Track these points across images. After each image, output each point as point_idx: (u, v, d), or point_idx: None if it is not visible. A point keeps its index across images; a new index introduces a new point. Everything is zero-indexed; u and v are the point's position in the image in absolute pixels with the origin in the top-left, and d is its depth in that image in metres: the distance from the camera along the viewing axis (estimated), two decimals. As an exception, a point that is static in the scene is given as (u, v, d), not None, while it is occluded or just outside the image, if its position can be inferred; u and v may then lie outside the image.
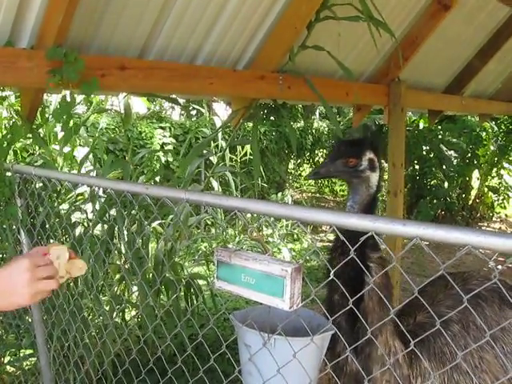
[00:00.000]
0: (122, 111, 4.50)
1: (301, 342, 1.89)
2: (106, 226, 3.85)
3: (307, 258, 8.03)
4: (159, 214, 4.30)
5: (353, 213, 2.26)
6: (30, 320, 3.58)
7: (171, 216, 4.70)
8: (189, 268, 6.82)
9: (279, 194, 11.29)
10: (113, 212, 3.87)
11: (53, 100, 5.52)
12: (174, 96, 4.45)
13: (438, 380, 2.36)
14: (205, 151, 5.23)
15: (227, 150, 7.13)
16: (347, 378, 2.36)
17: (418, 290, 1.53)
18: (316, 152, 14.29)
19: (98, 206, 3.72)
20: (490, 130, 12.98)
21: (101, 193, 3.61)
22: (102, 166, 4.98)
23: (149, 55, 3.83)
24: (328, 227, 8.44)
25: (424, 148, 12.39)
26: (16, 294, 1.63)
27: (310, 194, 14.39)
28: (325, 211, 1.65)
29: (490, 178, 13.13)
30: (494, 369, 2.40)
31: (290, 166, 14.25)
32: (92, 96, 5.77)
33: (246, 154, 9.79)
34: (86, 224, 4.08)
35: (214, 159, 6.61)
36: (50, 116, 4.42)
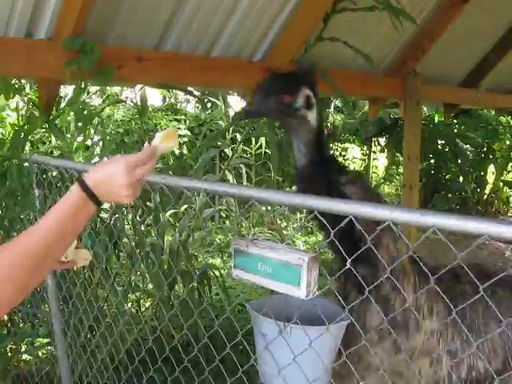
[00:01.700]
0: (138, 103, 4.52)
1: (316, 331, 1.90)
2: (122, 216, 3.87)
3: (321, 250, 8.01)
4: (176, 203, 4.33)
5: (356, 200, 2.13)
6: (47, 309, 3.61)
7: (184, 206, 4.72)
8: (203, 259, 6.85)
9: (293, 188, 11.26)
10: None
11: (69, 93, 5.56)
12: (189, 88, 4.47)
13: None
14: (219, 143, 5.24)
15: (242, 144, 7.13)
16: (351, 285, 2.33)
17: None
18: (331, 145, 14.25)
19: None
20: (506, 125, 12.87)
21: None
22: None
23: (165, 47, 3.84)
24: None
25: (439, 142, 12.32)
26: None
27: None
28: (342, 201, 1.65)
29: (505, 172, 13.04)
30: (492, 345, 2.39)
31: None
32: (107, 88, 5.80)
33: (260, 147, 9.78)
34: (103, 214, 4.10)
35: (228, 152, 6.63)
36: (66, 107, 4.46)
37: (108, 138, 5.67)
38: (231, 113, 8.51)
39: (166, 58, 3.74)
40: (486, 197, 13.04)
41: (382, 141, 13.31)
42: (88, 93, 3.71)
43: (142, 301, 4.85)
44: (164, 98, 12.02)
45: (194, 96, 5.20)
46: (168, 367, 2.61)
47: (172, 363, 2.45)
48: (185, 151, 9.71)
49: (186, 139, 10.34)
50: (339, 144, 13.84)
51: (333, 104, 12.16)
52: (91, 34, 3.35)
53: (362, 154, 14.16)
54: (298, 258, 1.64)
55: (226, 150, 6.79)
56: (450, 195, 12.24)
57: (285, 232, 8.83)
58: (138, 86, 4.41)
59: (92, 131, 5.30)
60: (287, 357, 1.86)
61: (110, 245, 3.32)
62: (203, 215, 4.87)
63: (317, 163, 2.30)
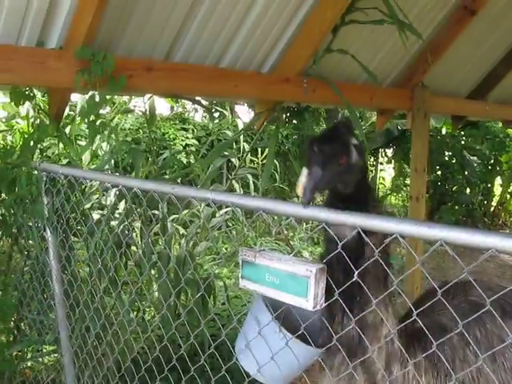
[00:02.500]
0: (147, 112, 4.55)
1: (305, 349, 1.94)
2: (129, 225, 3.89)
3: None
4: (177, 211, 4.35)
5: (375, 214, 2.12)
6: (53, 316, 3.63)
7: (190, 215, 4.74)
8: (209, 269, 6.86)
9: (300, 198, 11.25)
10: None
11: (78, 100, 5.58)
12: (198, 98, 4.50)
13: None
14: (227, 153, 5.26)
15: (249, 153, 7.16)
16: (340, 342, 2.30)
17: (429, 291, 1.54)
18: (337, 156, 14.24)
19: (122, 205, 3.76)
20: (512, 136, 12.87)
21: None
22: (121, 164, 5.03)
23: (175, 57, 3.88)
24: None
25: (446, 154, 12.32)
26: None
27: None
28: (349, 213, 1.66)
29: (512, 184, 13.03)
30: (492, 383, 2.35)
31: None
32: (115, 97, 5.84)
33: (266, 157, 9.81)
34: (109, 222, 4.12)
35: (235, 161, 6.65)
36: (77, 116, 4.48)
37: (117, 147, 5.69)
38: (239, 122, 8.56)
39: (175, 69, 3.76)
40: (492, 209, 13.01)
41: (390, 152, 13.32)
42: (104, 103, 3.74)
43: (148, 309, 4.86)
44: (172, 107, 12.07)
45: (202, 106, 5.23)
46: (174, 376, 2.61)
47: (178, 372, 2.46)
48: (192, 160, 9.75)
49: (193, 148, 10.39)
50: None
51: (340, 115, 12.18)
52: (102, 43, 3.39)
53: (370, 164, 14.17)
54: (305, 270, 1.65)
55: (234, 160, 6.82)
56: (456, 207, 12.22)
57: (292, 242, 8.84)
58: (147, 96, 4.44)
59: (101, 140, 5.33)
60: (267, 351, 1.91)
61: (118, 253, 3.33)
62: (210, 224, 4.89)
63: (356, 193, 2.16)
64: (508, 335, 2.47)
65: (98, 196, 4.20)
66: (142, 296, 4.41)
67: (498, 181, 12.99)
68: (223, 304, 5.57)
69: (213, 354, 2.31)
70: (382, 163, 13.93)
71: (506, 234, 1.36)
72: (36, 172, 3.33)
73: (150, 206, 3.87)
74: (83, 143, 4.89)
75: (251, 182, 8.30)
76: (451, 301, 2.67)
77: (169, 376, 2.52)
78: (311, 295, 1.64)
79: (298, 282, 1.67)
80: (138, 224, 4.36)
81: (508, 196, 12.90)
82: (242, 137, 6.93)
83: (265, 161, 9.95)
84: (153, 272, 4.22)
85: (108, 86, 3.26)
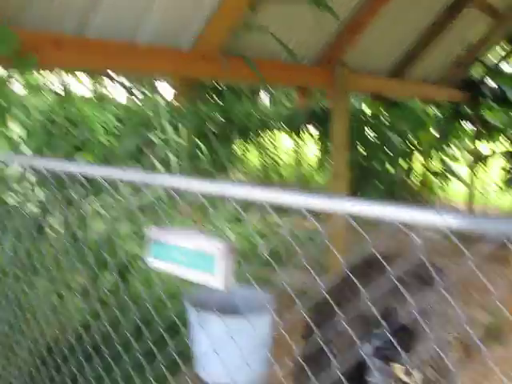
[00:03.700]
0: (63, 90, 4.38)
1: (235, 321, 1.89)
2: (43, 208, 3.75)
3: (252, 240, 8.05)
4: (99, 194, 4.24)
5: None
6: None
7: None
8: (132, 252, 6.73)
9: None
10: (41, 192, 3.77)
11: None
12: (113, 74, 4.36)
13: None
14: (147, 133, 5.15)
15: (170, 131, 7.04)
16: None
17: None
18: (262, 134, 14.27)
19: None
20: (432, 115, 13.20)
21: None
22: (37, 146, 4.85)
23: (87, 31, 3.72)
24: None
25: (368, 132, 12.53)
26: None
27: (256, 177, 14.36)
28: (258, 187, 1.62)
29: (432, 162, 13.39)
30: None
31: (236, 148, 14.17)
32: (28, 73, 5.60)
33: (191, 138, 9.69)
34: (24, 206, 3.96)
35: (156, 141, 6.53)
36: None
37: (32, 127, 5.47)
38: (160, 101, 8.39)
39: (87, 44, 3.62)
40: (414, 187, 13.35)
41: (313, 131, 13.44)
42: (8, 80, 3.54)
43: (66, 294, 4.71)
44: (91, 86, 11.72)
45: (122, 85, 5.09)
46: (97, 362, 2.52)
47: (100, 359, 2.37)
48: (112, 141, 9.50)
49: (113, 129, 10.12)
50: (270, 134, 13.89)
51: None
52: (7, 16, 3.21)
53: (294, 143, 14.26)
54: (212, 247, 1.61)
55: (155, 140, 6.69)
56: (378, 185, 12.47)
57: (217, 223, 8.78)
58: (63, 73, 4.27)
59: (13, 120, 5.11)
60: (208, 346, 1.85)
61: (34, 237, 3.20)
62: (130, 206, 4.76)
63: None
64: (427, 302, 2.54)
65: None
66: (59, 280, 4.28)
67: (419, 159, 13.32)
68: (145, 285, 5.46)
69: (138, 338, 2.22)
70: (305, 142, 14.05)
71: (411, 205, 1.35)
72: None
73: (65, 187, 3.74)
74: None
75: (172, 162, 8.16)
76: (370, 276, 2.70)
77: (83, 362, 2.44)
78: (219, 273, 1.60)
79: (206, 259, 1.63)
80: (56, 207, 4.21)
81: (428, 174, 13.27)
82: (163, 116, 6.80)
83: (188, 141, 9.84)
84: (72, 256, 4.09)
85: (14, 63, 3.10)
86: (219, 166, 10.73)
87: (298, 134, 13.63)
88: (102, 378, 2.44)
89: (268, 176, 14.67)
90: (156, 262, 1.80)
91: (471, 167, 10.90)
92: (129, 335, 2.20)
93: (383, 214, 1.38)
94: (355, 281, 1.60)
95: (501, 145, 12.02)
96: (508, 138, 11.53)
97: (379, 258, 1.57)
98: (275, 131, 14.10)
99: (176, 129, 9.18)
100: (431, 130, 13.04)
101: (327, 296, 1.66)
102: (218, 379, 2.07)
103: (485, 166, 12.03)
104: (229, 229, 8.70)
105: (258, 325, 1.93)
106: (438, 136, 12.90)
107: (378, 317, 2.22)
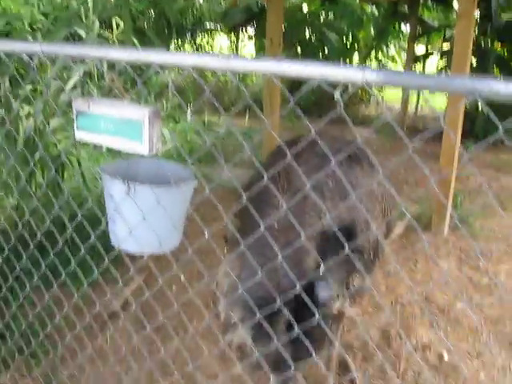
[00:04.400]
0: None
1: (162, 190, 1.89)
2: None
3: (189, 138, 8.04)
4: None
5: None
6: None
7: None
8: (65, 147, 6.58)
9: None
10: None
11: None
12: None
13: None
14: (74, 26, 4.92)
15: (98, 26, 6.72)
16: None
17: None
18: (198, 33, 13.90)
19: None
20: (370, 14, 13.09)
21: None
22: None
23: None
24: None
25: (306, 30, 12.37)
26: None
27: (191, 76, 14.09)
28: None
29: (369, 61, 13.40)
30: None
31: (172, 46, 13.79)
32: None
33: (123, 32, 9.29)
34: None
35: (84, 35, 6.24)
36: None
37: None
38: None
39: None
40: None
41: (250, 29, 13.19)
42: None
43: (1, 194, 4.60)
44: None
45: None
46: (33, 258, 2.49)
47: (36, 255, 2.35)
48: (39, 37, 9.04)
49: (39, 25, 9.62)
50: (205, 33, 13.57)
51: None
52: None
53: (230, 42, 13.99)
54: (138, 113, 1.59)
55: (82, 34, 6.39)
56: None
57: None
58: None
59: None
60: (136, 217, 1.84)
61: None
62: (60, 99, 4.60)
63: None
64: (356, 177, 2.63)
65: None
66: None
67: (356, 57, 13.31)
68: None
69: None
70: (242, 40, 13.79)
71: (325, 63, 1.34)
72: None
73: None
74: None
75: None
76: (300, 155, 2.73)
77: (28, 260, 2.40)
78: (146, 139, 1.59)
79: (133, 126, 1.61)
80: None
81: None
82: (91, 10, 6.46)
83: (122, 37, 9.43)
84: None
85: None
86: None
87: (234, 33, 13.37)
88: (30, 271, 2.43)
89: (203, 75, 14.43)
90: (82, 134, 1.77)
91: (408, 67, 10.95)
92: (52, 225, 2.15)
93: (307, 72, 1.37)
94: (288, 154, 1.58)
95: (437, 45, 12.11)
96: (444, 38, 11.59)
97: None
98: (212, 32, 13.77)
99: (108, 24, 8.80)
100: (370, 29, 12.98)
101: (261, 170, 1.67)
102: (141, 249, 2.08)
103: (421, 66, 12.12)
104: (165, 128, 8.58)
105: (179, 194, 1.94)
106: (375, 35, 12.85)
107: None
